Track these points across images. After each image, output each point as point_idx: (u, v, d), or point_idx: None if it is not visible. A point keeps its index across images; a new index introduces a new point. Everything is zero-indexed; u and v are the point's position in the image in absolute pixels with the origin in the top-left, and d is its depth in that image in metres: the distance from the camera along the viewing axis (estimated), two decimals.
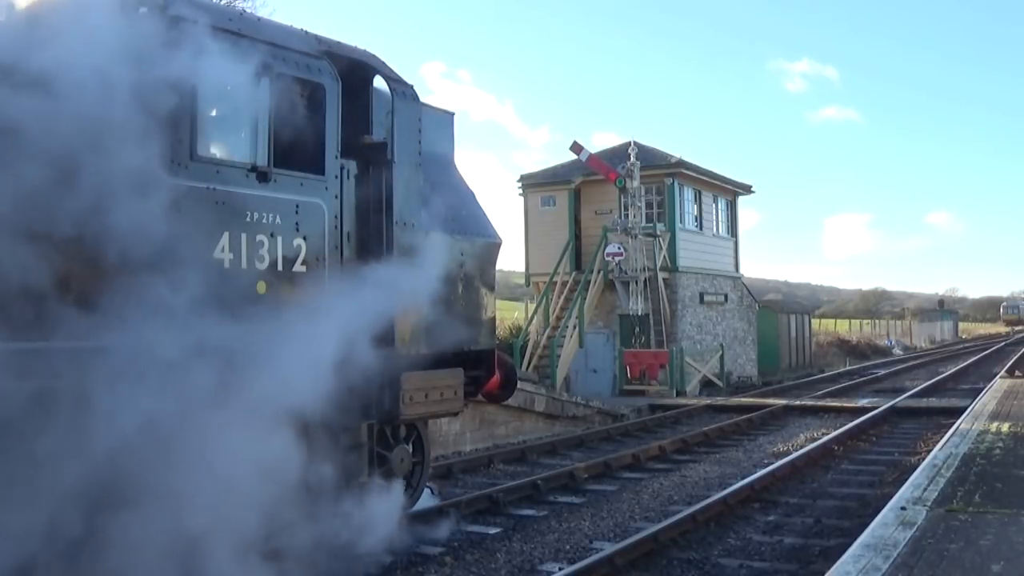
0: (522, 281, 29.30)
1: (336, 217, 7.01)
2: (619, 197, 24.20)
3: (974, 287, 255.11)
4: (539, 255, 26.06)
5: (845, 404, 19.66)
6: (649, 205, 25.14)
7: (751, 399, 21.41)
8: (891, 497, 7.75)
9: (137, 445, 5.15)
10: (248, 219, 6.24)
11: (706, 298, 26.70)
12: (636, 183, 23.59)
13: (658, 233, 24.34)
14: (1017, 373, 21.39)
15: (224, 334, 5.64)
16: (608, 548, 7.82)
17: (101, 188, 5.15)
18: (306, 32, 7.15)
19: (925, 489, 7.73)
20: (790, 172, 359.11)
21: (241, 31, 6.29)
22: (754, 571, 7.55)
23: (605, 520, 9.39)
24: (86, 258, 5.21)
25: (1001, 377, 20.87)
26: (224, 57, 5.94)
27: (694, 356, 24.67)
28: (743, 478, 10.97)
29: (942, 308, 76.55)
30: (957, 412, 14.84)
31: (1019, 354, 32.04)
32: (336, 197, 7.02)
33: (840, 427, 15.53)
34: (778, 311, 36.41)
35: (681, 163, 25.70)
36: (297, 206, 6.64)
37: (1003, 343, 52.62)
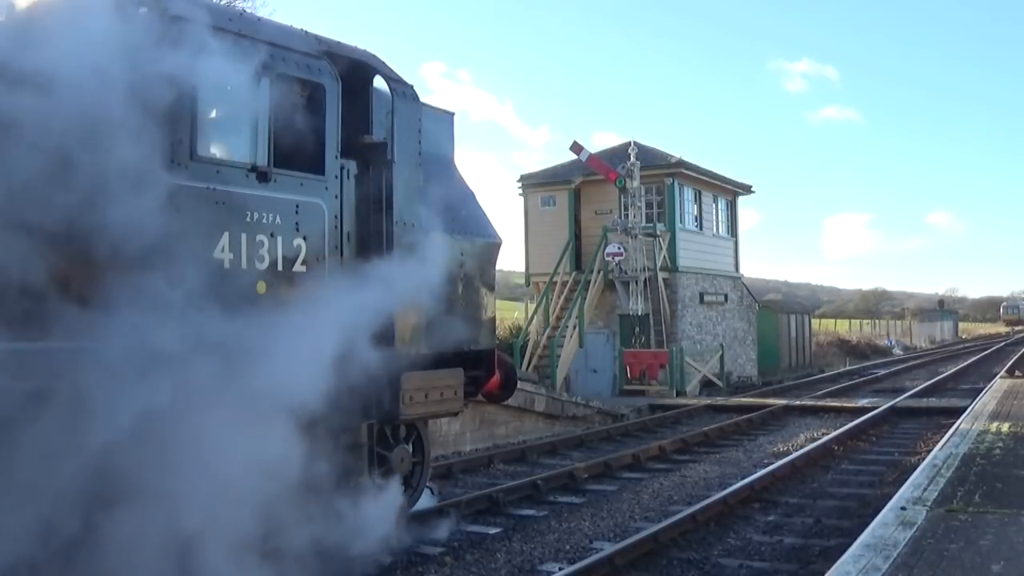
0: (522, 281, 29.30)
1: (336, 217, 7.01)
2: (619, 197, 24.20)
3: (974, 287, 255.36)
4: (539, 255, 26.05)
5: (845, 404, 19.65)
6: (649, 205, 25.14)
7: (751, 399, 21.41)
8: (891, 497, 7.75)
9: (137, 445, 5.15)
10: (248, 219, 6.24)
11: (706, 298, 26.70)
12: (636, 183, 23.59)
13: (658, 233, 24.34)
14: (1017, 373, 21.38)
15: (224, 334, 5.64)
16: (608, 548, 7.82)
17: (100, 188, 5.15)
18: (306, 32, 7.14)
19: (925, 489, 7.73)
20: (790, 172, 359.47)
21: (241, 31, 6.29)
22: (754, 571, 7.55)
23: (605, 520, 9.39)
24: (85, 258, 5.21)
25: (1001, 377, 20.87)
26: (224, 57, 5.94)
27: (694, 356, 24.67)
28: (743, 478, 10.97)
29: (942, 308, 76.55)
30: (957, 412, 14.84)
31: (1019, 354, 32.04)
32: (336, 197, 7.02)
33: (840, 427, 15.53)
34: (778, 311, 36.41)
35: (681, 163, 25.70)
36: (297, 206, 6.64)
37: (1003, 343, 52.62)
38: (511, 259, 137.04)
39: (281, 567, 6.12)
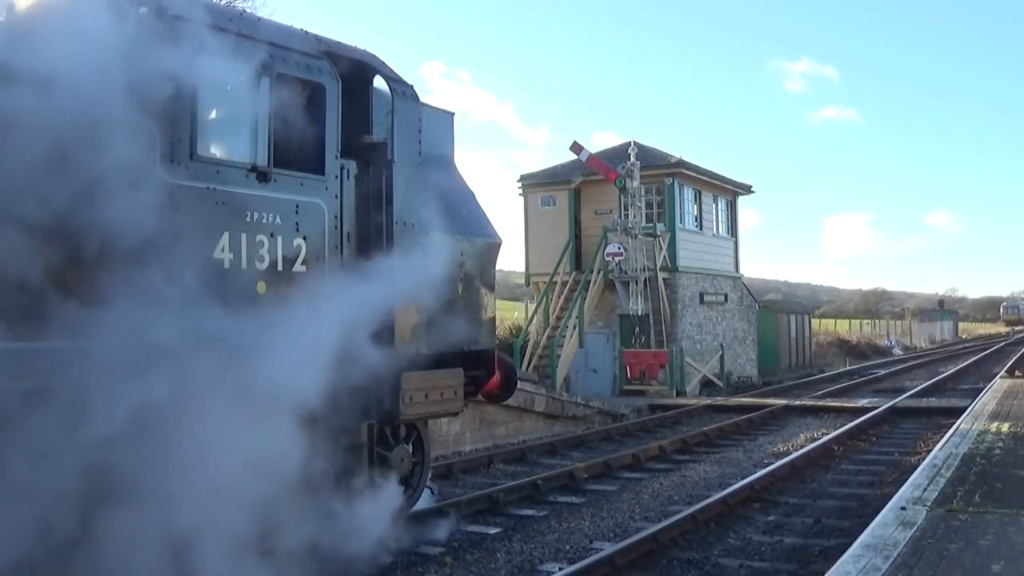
0: (522, 281, 29.30)
1: (336, 217, 7.01)
2: (619, 197, 24.19)
3: (974, 287, 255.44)
4: (539, 255, 26.05)
5: (845, 404, 19.65)
6: (649, 205, 25.13)
7: (751, 399, 21.41)
8: (891, 497, 7.75)
9: (137, 445, 5.15)
10: (248, 219, 6.24)
11: (706, 298, 26.69)
12: (636, 183, 23.59)
13: (658, 233, 24.34)
14: (1017, 373, 21.38)
15: (225, 334, 5.64)
16: (608, 548, 7.82)
17: (100, 188, 5.15)
18: (306, 32, 7.14)
19: (925, 489, 7.73)
20: (790, 172, 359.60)
21: (241, 31, 6.29)
22: (754, 571, 7.55)
23: (605, 520, 9.39)
24: (84, 258, 5.21)
25: (1001, 377, 20.86)
26: (224, 57, 5.94)
27: (694, 356, 24.67)
28: (743, 478, 10.97)
29: (942, 308, 76.54)
30: (957, 412, 14.84)
31: (1019, 354, 32.05)
32: (336, 197, 7.02)
33: (840, 427, 15.53)
34: (778, 311, 36.40)
35: (681, 163, 25.70)
36: (297, 206, 6.64)
37: (1003, 343, 52.63)
38: (511, 259, 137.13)
39: (280, 567, 6.12)
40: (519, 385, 11.78)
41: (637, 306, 23.34)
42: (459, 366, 8.17)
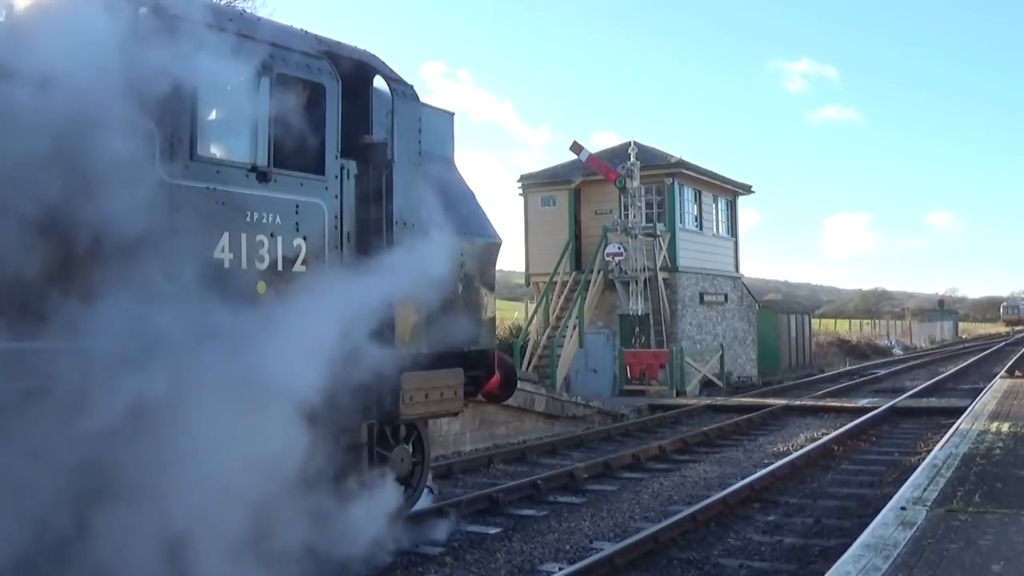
0: (522, 281, 29.29)
1: (336, 217, 7.01)
2: (619, 197, 24.19)
3: (974, 287, 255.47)
4: (539, 255, 26.05)
5: (845, 404, 19.65)
6: (649, 205, 25.13)
7: (751, 399, 21.41)
8: (891, 497, 7.74)
9: (136, 444, 5.16)
10: (248, 219, 6.24)
11: (706, 298, 26.69)
12: (636, 183, 23.59)
13: (658, 233, 24.34)
14: (1017, 373, 21.38)
15: (224, 334, 5.64)
16: (608, 548, 7.81)
17: (99, 188, 5.15)
18: (306, 32, 7.14)
19: (925, 489, 7.73)
20: (790, 172, 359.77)
21: (241, 31, 6.28)
22: (754, 571, 7.55)
23: (605, 520, 9.39)
24: (84, 259, 5.20)
25: (1001, 377, 20.86)
26: (224, 57, 5.94)
27: (694, 356, 24.67)
28: (743, 478, 10.97)
29: (942, 308, 76.53)
30: (957, 412, 14.84)
31: (1019, 354, 32.03)
32: (336, 197, 7.02)
33: (840, 427, 15.53)
34: (778, 311, 36.40)
35: (681, 163, 25.69)
36: (297, 206, 6.64)
37: (1003, 343, 52.62)
38: (511, 259, 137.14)
39: (279, 567, 6.12)
40: (519, 385, 11.78)
41: (637, 306, 23.34)
42: (459, 366, 8.18)
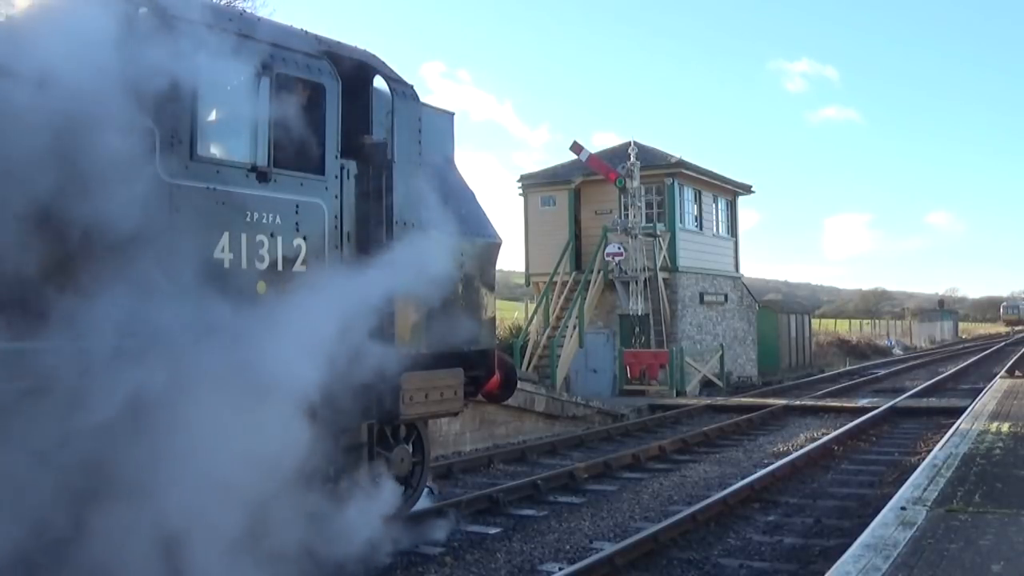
0: (522, 281, 29.29)
1: (336, 217, 7.02)
2: (619, 197, 24.19)
3: (974, 287, 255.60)
4: (539, 255, 26.05)
5: (845, 404, 19.65)
6: (649, 205, 25.13)
7: (751, 399, 21.41)
8: (891, 497, 7.74)
9: (139, 443, 5.16)
10: (248, 219, 6.24)
11: (706, 298, 26.69)
12: (636, 183, 23.59)
13: (658, 233, 24.34)
14: (1017, 373, 21.38)
15: (225, 334, 5.64)
16: (608, 548, 7.81)
17: (98, 188, 5.15)
18: (306, 32, 7.15)
19: (925, 489, 7.73)
20: (790, 172, 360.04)
21: (241, 31, 6.29)
22: (754, 571, 7.55)
23: (605, 520, 9.39)
24: (83, 259, 5.20)
25: (1001, 377, 20.86)
26: (224, 57, 5.94)
27: (694, 356, 24.67)
28: (743, 478, 10.97)
29: (942, 308, 76.54)
30: (957, 412, 14.84)
31: (1019, 354, 32.04)
32: (336, 197, 7.02)
33: (840, 427, 15.53)
34: (778, 311, 36.40)
35: (681, 163, 25.69)
36: (297, 206, 6.64)
37: (1003, 343, 52.64)
38: (511, 259, 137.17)
39: (278, 566, 6.12)
40: (519, 385, 11.78)
41: (637, 306, 23.34)
42: (459, 366, 8.18)
